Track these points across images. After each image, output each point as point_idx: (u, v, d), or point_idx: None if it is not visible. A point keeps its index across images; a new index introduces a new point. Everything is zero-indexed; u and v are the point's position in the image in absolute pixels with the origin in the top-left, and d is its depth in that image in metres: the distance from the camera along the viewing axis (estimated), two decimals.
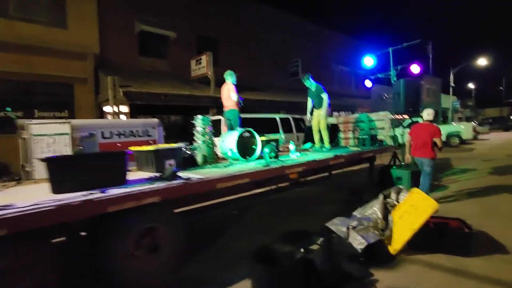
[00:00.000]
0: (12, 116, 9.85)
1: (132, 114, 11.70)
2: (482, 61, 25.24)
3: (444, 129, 14.90)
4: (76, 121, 5.31)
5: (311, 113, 5.83)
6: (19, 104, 9.47)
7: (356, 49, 21.05)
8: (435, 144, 4.68)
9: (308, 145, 6.83)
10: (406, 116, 20.64)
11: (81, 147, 5.20)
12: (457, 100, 36.99)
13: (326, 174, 7.53)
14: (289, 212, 4.85)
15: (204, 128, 4.67)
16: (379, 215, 3.30)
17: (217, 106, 12.15)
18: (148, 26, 11.74)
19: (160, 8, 12.22)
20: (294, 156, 4.68)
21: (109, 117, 11.56)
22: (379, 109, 24.80)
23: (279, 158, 4.11)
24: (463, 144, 15.58)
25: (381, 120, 6.28)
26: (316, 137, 5.89)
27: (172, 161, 3.65)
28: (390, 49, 5.91)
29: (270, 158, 3.98)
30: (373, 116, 6.45)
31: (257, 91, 14.57)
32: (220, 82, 13.39)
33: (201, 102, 11.33)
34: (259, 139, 4.55)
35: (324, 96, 5.58)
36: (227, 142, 4.35)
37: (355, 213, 3.58)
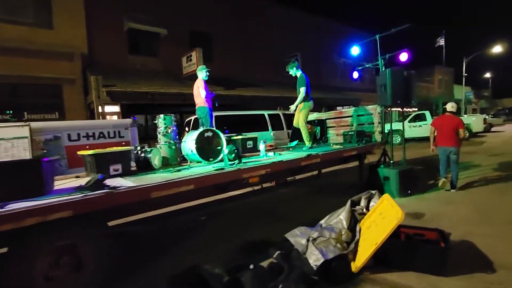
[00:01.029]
0: (13, 119, 9.85)
1: (123, 114, 11.52)
2: (497, 49, 23.91)
3: None
4: (37, 124, 5.05)
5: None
6: (7, 107, 9.40)
7: (360, 41, 20.24)
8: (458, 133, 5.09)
9: (294, 143, 6.42)
10: (412, 110, 19.62)
11: (44, 151, 4.95)
12: (471, 90, 35.37)
13: (316, 173, 7.18)
14: (263, 217, 4.46)
15: (166, 128, 4.32)
16: (345, 225, 2.87)
17: None
18: (137, 23, 11.47)
19: (150, 4, 11.93)
20: (264, 157, 4.28)
21: (101, 117, 11.45)
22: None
23: (241, 160, 3.71)
24: (473, 137, 14.70)
25: (370, 114, 5.77)
26: (303, 133, 5.46)
27: (117, 166, 3.33)
28: (377, 36, 5.38)
29: (230, 160, 3.60)
30: (361, 110, 5.94)
31: (253, 86, 14.14)
32: (213, 79, 13.12)
33: (191, 100, 10.99)
34: (224, 139, 4.17)
35: (302, 89, 5.14)
36: (188, 143, 3.98)
37: (322, 221, 3.17)
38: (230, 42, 14.52)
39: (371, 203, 3.00)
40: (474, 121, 14.45)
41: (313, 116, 7.28)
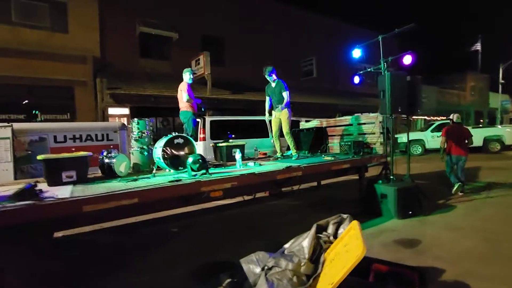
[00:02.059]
0: (38, 119, 10.33)
1: (132, 116, 11.66)
2: None
3: (481, 133, 12.88)
4: (20, 125, 5.08)
5: (270, 114, 5.07)
6: (22, 108, 9.83)
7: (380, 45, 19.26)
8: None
9: (290, 152, 6.01)
10: (438, 118, 18.42)
11: (29, 152, 4.94)
12: (509, 99, 32.51)
13: (315, 184, 6.69)
14: (240, 232, 4.08)
15: (139, 133, 4.11)
16: (306, 254, 2.43)
17: (214, 108, 11.69)
18: (149, 27, 11.63)
19: (162, 9, 12.07)
20: (241, 167, 3.91)
21: (111, 119, 11.69)
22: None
23: (208, 171, 3.38)
24: (506, 150, 13.28)
25: (371, 123, 5.21)
26: (277, 144, 5.09)
27: (71, 173, 3.13)
28: (380, 37, 4.85)
29: (194, 170, 3.28)
30: (363, 118, 5.39)
31: (262, 91, 13.83)
32: (225, 83, 12.98)
33: None
34: (196, 146, 3.87)
35: (285, 94, 4.76)
36: (157, 149, 3.73)
37: (286, 245, 2.74)
38: (243, 46, 14.35)
39: (340, 230, 2.53)
40: (508, 133, 13.04)
41: (312, 123, 6.81)
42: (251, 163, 4.15)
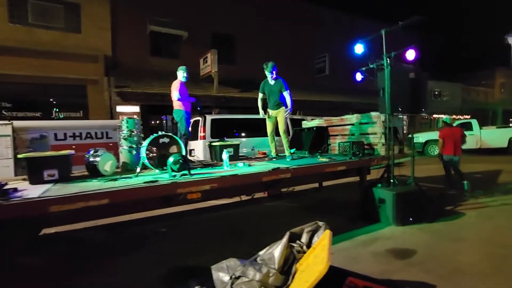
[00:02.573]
0: (60, 116, 10.79)
1: (143, 114, 11.87)
2: None
3: (505, 133, 12.03)
4: (22, 123, 5.24)
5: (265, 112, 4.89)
6: (38, 105, 10.23)
7: (402, 40, 18.43)
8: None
9: (291, 151, 5.83)
10: (464, 117, 17.53)
11: (30, 149, 5.08)
12: None
13: (316, 185, 6.45)
14: (225, 235, 3.97)
15: (129, 132, 4.09)
16: (276, 264, 2.27)
17: (220, 106, 11.63)
18: (159, 26, 11.74)
19: (172, 7, 12.14)
20: (227, 168, 3.80)
21: (121, 117, 11.94)
22: (430, 109, 21.52)
23: (190, 171, 3.29)
24: None
25: (373, 123, 4.91)
26: (271, 144, 4.91)
27: (53, 171, 3.14)
28: (383, 31, 4.55)
29: (174, 171, 3.20)
30: (364, 117, 5.10)
31: None
32: (235, 81, 12.88)
33: (203, 102, 10.88)
34: (182, 145, 3.79)
35: (287, 94, 4.58)
36: (143, 148, 3.68)
37: (261, 252, 2.59)
38: (253, 44, 14.18)
39: (315, 239, 2.34)
40: None
41: (314, 122, 6.56)
42: (240, 164, 4.01)
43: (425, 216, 4.14)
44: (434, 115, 22.32)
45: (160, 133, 3.72)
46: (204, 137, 6.72)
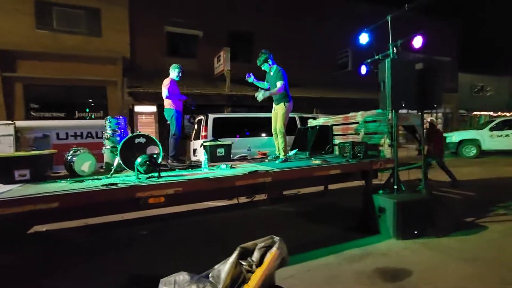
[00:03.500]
0: (92, 116, 11.45)
1: (159, 114, 12.10)
2: None
3: None
4: (23, 123, 5.44)
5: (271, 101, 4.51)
6: (61, 106, 10.83)
7: (437, 30, 16.91)
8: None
9: (292, 152, 5.48)
10: (507, 114, 15.67)
11: (33, 148, 5.26)
12: None
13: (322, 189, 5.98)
14: (206, 242, 3.73)
15: (112, 132, 4.01)
16: (221, 283, 1.98)
17: (233, 104, 11.44)
18: (175, 27, 11.88)
19: (188, 8, 12.19)
20: (205, 170, 3.55)
21: (139, 116, 12.29)
22: (470, 105, 19.76)
23: (160, 174, 3.10)
24: None
25: (378, 121, 4.37)
26: (276, 143, 4.56)
27: (24, 171, 3.12)
28: (389, 17, 4.01)
29: (141, 173, 3.02)
30: (370, 116, 4.56)
31: (294, 87, 13.12)
32: (242, 80, 12.64)
33: (215, 101, 10.80)
34: (159, 146, 3.62)
35: (279, 83, 4.19)
36: (118, 149, 3.56)
37: (216, 266, 2.31)
38: (273, 41, 13.77)
39: (268, 256, 2.01)
40: None
41: (318, 121, 6.09)
42: (223, 165, 3.76)
43: (435, 229, 3.56)
44: (475, 112, 20.25)
45: (137, 132, 3.58)
46: (205, 137, 6.56)
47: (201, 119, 7.06)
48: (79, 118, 10.91)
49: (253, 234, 3.88)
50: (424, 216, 3.56)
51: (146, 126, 12.42)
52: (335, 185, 5.34)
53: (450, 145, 11.43)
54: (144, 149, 3.57)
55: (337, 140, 5.35)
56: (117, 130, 4.04)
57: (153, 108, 12.03)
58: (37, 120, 9.72)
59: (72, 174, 3.49)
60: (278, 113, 4.37)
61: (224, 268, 2.05)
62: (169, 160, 4.75)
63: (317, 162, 3.87)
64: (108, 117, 4.07)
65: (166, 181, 2.84)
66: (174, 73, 4.85)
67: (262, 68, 4.47)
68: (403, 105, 3.48)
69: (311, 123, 6.24)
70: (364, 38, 4.47)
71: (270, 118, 7.53)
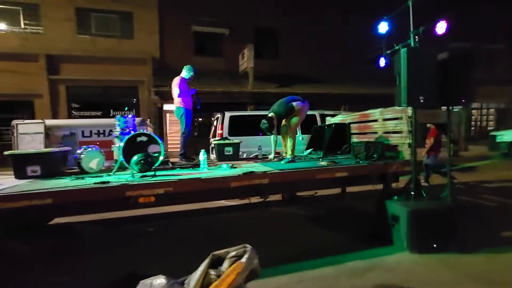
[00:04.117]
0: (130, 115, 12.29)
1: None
2: None
3: None
4: (52, 121, 5.85)
5: None
6: (99, 105, 11.63)
7: (489, 14, 15.06)
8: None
9: (307, 152, 5.25)
10: None
11: (61, 145, 5.67)
12: None
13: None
14: (206, 240, 3.67)
15: (121, 130, 4.12)
16: None
17: (256, 102, 11.30)
18: (201, 26, 12.08)
19: (215, 6, 12.30)
20: (204, 170, 3.49)
21: (169, 115, 12.73)
22: None
23: (155, 172, 3.10)
24: None
25: (398, 119, 3.93)
26: (283, 142, 4.36)
27: (35, 167, 3.33)
28: (410, 2, 3.57)
29: (137, 172, 3.05)
30: (388, 113, 4.12)
31: (319, 83, 12.63)
32: (278, 76, 12.39)
33: (238, 98, 10.76)
34: (161, 145, 3.63)
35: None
36: (120, 147, 3.64)
37: (194, 272, 2.23)
38: (299, 36, 13.42)
39: (231, 268, 1.85)
40: None
41: (336, 119, 5.71)
42: (224, 165, 3.66)
43: (459, 244, 3.10)
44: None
45: (140, 131, 3.63)
46: (222, 135, 6.53)
47: (218, 117, 7.05)
48: (113, 117, 11.61)
49: (255, 235, 3.77)
50: (445, 227, 3.11)
51: (174, 124, 12.85)
52: (356, 187, 4.98)
53: (501, 145, 10.08)
54: (145, 148, 3.61)
55: (355, 140, 4.96)
56: (126, 129, 4.14)
57: None
58: (78, 118, 10.59)
59: (82, 171, 3.65)
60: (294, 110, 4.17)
61: (194, 276, 1.95)
62: (178, 158, 4.81)
63: (323, 163, 3.59)
64: (118, 116, 4.19)
65: (156, 180, 2.82)
66: (185, 73, 4.87)
67: None
68: (422, 100, 3.05)
69: (328, 121, 5.88)
70: (383, 27, 4.03)
71: None
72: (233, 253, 1.94)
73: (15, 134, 5.44)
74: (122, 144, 3.50)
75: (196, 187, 2.89)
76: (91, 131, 5.87)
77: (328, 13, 13.46)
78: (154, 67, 11.70)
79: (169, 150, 12.05)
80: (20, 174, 3.26)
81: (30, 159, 3.28)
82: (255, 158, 5.08)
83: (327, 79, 12.82)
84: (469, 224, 3.36)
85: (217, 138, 5.09)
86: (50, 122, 5.62)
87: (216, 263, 1.98)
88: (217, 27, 12.22)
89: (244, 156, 6.06)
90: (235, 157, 4.64)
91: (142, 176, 3.01)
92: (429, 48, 3.14)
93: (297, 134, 4.20)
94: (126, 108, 12.03)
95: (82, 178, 3.13)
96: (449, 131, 3.57)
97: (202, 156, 3.59)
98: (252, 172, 3.09)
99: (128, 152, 3.51)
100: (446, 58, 3.17)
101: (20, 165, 3.25)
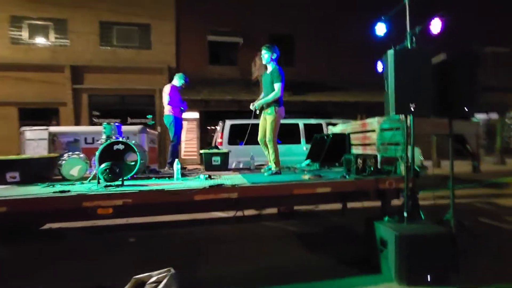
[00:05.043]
0: (151, 122, 12.80)
1: (201, 120, 12.57)
2: None
3: None
4: (56, 128, 6.07)
5: (260, 110, 4.04)
6: (117, 113, 12.09)
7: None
8: None
9: (305, 163, 4.96)
10: None
11: (66, 151, 5.85)
12: None
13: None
14: (180, 254, 3.49)
15: (106, 138, 4.12)
16: None
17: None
18: (216, 36, 12.23)
19: (229, 16, 12.42)
20: (178, 181, 3.33)
21: (184, 122, 12.91)
22: None
23: (123, 183, 3.00)
24: None
25: (395, 129, 3.51)
26: (265, 151, 4.06)
27: (14, 174, 3.38)
28: (407, 0, 3.21)
29: (105, 180, 2.96)
30: (386, 122, 3.71)
31: (336, 91, 12.16)
32: (294, 83, 12.10)
33: (247, 107, 10.59)
34: (137, 154, 3.54)
35: (277, 85, 3.71)
36: (96, 155, 3.60)
37: None
38: (314, 41, 13.10)
39: None
40: None
41: (338, 128, 5.32)
42: (202, 176, 3.48)
43: (460, 276, 2.62)
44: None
45: (115, 139, 3.58)
46: (221, 143, 6.39)
47: (221, 125, 6.93)
48: (131, 124, 12.00)
49: (230, 252, 3.52)
50: (443, 256, 2.65)
51: (189, 131, 13.03)
52: (361, 203, 4.55)
53: None
54: (122, 156, 3.55)
55: (355, 151, 4.56)
56: (112, 137, 4.13)
57: (195, 115, 12.53)
58: (96, 126, 11.06)
59: (63, 178, 3.66)
60: (267, 120, 3.87)
61: None
62: (166, 167, 4.72)
63: (306, 177, 3.27)
64: (104, 123, 4.20)
65: (115, 191, 2.70)
66: (177, 81, 4.83)
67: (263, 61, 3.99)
68: (413, 109, 2.66)
69: (330, 130, 5.51)
70: (381, 29, 3.67)
71: (294, 124, 7.07)
72: (154, 278, 1.74)
73: (22, 140, 5.72)
74: (98, 152, 3.46)
75: (156, 199, 2.73)
76: (93, 138, 6.00)
77: (345, 18, 13.01)
78: (170, 76, 11.96)
79: (183, 157, 12.21)
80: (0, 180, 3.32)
81: (9, 165, 3.33)
82: (247, 169, 4.86)
83: (344, 87, 12.31)
84: (478, 253, 2.85)
85: (207, 148, 4.95)
86: (55, 129, 5.84)
87: (141, 287, 1.77)
88: (231, 36, 12.29)
89: (241, 166, 5.86)
90: (224, 167, 4.45)
91: (106, 186, 2.91)
92: (421, 49, 2.75)
93: (276, 143, 3.87)
94: (149, 116, 12.44)
95: (53, 185, 3.11)
96: (451, 144, 3.09)
97: (175, 166, 3.44)
98: (220, 185, 2.87)
99: (104, 160, 3.45)
100: (445, 60, 2.76)
101: (0, 170, 3.32)
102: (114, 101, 12.13)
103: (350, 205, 4.17)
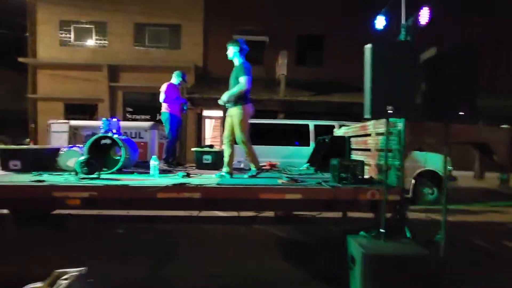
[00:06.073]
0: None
1: (224, 118, 12.70)
2: None
3: None
4: (76, 122, 6.55)
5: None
6: (148, 109, 12.79)
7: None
8: None
9: (303, 166, 4.75)
10: None
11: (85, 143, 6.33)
12: None
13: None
14: (157, 251, 3.53)
15: (104, 132, 4.34)
16: None
17: (287, 110, 10.78)
18: (242, 35, 12.22)
19: (255, 15, 12.38)
20: (154, 177, 3.36)
21: (207, 120, 13.23)
22: None
23: (99, 176, 3.11)
24: None
25: (388, 134, 3.11)
26: (226, 153, 3.72)
27: (16, 162, 3.71)
28: None
29: (82, 173, 3.10)
30: (381, 126, 3.31)
31: (352, 92, 11.40)
32: (321, 83, 11.67)
33: (268, 106, 10.43)
34: (122, 149, 3.65)
35: (243, 79, 3.52)
36: (84, 148, 3.77)
37: None
38: (345, 42, 12.41)
39: None
40: None
41: (342, 130, 4.93)
42: (180, 174, 3.48)
43: None
44: None
45: (97, 135, 3.74)
46: None
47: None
48: (158, 120, 12.62)
49: (209, 254, 3.46)
50: (420, 282, 2.28)
51: (216, 130, 13.28)
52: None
53: None
54: (109, 150, 3.69)
55: (355, 156, 4.20)
56: (109, 131, 4.33)
57: (219, 113, 12.72)
58: (131, 121, 11.83)
59: (61, 169, 3.93)
60: (233, 118, 3.64)
61: None
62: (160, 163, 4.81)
63: (280, 181, 3.08)
64: (103, 118, 4.43)
65: (83, 184, 2.80)
66: (175, 79, 4.91)
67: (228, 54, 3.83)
68: (390, 111, 2.31)
69: (335, 132, 5.15)
70: (380, 22, 3.31)
71: (304, 125, 6.76)
72: (67, 276, 1.73)
73: (49, 132, 6.31)
74: (86, 145, 3.64)
75: (120, 195, 2.77)
76: None
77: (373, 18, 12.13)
78: (196, 75, 12.35)
79: None
80: (4, 167, 3.68)
81: (13, 154, 3.67)
82: (247, 170, 4.75)
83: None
84: (466, 279, 2.42)
85: (198, 146, 4.95)
86: (75, 123, 6.35)
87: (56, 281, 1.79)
88: (257, 35, 12.23)
89: (241, 166, 5.76)
90: (215, 166, 4.40)
91: (82, 178, 3.04)
92: (406, 43, 2.40)
93: (248, 142, 3.66)
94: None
95: (41, 175, 3.34)
96: (445, 152, 2.65)
97: (152, 162, 3.48)
98: (182, 184, 2.82)
99: (92, 153, 3.63)
100: (435, 55, 2.37)
101: (5, 158, 3.67)
102: (145, 99, 12.84)
103: (357, 215, 3.85)
